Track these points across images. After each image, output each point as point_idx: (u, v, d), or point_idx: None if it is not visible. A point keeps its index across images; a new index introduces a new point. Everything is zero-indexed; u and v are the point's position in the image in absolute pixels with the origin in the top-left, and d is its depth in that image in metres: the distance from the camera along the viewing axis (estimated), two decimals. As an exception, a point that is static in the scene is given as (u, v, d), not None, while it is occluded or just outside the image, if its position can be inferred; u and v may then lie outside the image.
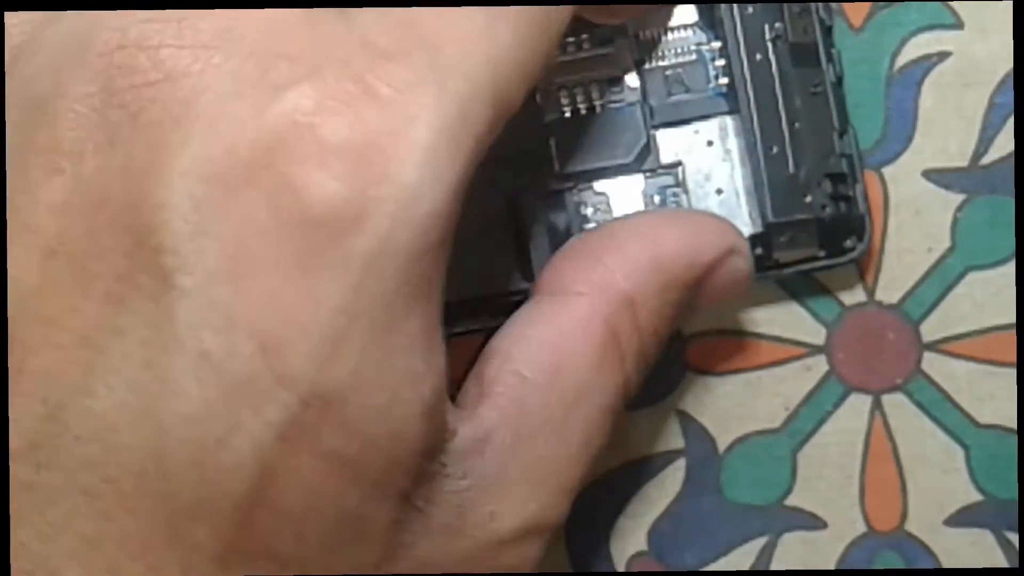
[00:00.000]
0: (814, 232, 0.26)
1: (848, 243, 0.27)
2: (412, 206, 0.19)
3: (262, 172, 0.19)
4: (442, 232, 0.20)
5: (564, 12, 0.22)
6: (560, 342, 0.23)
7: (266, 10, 0.20)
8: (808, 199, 0.26)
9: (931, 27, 0.28)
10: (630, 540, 0.28)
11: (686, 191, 0.27)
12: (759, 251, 0.26)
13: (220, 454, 0.19)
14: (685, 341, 0.28)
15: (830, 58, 0.26)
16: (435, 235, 0.19)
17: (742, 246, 0.25)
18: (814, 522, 0.28)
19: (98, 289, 0.19)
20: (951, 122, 0.28)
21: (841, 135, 0.26)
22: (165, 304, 0.19)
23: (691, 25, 0.27)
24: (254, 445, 0.19)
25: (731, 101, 0.26)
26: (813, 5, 0.26)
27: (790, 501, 0.28)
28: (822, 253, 0.27)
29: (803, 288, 0.28)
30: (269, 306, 0.19)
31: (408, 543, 0.21)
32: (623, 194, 0.27)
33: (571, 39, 0.26)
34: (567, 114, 0.26)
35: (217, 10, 0.20)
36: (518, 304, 0.26)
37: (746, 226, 0.26)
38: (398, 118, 0.19)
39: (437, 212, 0.19)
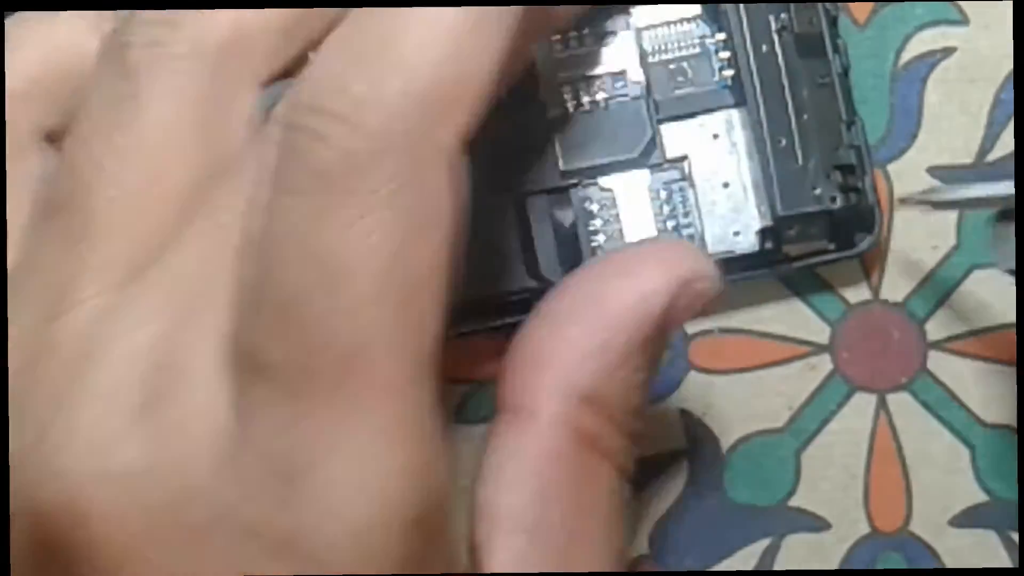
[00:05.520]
0: (824, 225, 0.26)
1: (858, 235, 0.26)
2: None
3: None
4: None
5: None
6: (539, 477, 0.22)
7: None
8: (817, 191, 0.25)
9: (936, 23, 0.28)
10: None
11: (693, 185, 0.26)
12: (768, 245, 0.26)
13: None
14: (688, 340, 0.28)
15: (836, 49, 0.26)
16: None
17: (698, 269, 0.23)
18: (817, 524, 0.28)
19: None
20: (956, 119, 0.28)
21: (849, 126, 0.26)
22: None
23: (694, 18, 0.26)
24: None
25: (737, 94, 0.26)
26: (818, -5, 0.26)
27: (794, 502, 0.28)
28: (832, 246, 0.26)
29: (807, 286, 0.28)
30: None
31: None
32: (629, 189, 0.26)
33: (574, 33, 0.26)
34: (571, 110, 0.26)
35: None
36: (524, 303, 0.26)
37: (755, 220, 0.26)
38: None
39: None
